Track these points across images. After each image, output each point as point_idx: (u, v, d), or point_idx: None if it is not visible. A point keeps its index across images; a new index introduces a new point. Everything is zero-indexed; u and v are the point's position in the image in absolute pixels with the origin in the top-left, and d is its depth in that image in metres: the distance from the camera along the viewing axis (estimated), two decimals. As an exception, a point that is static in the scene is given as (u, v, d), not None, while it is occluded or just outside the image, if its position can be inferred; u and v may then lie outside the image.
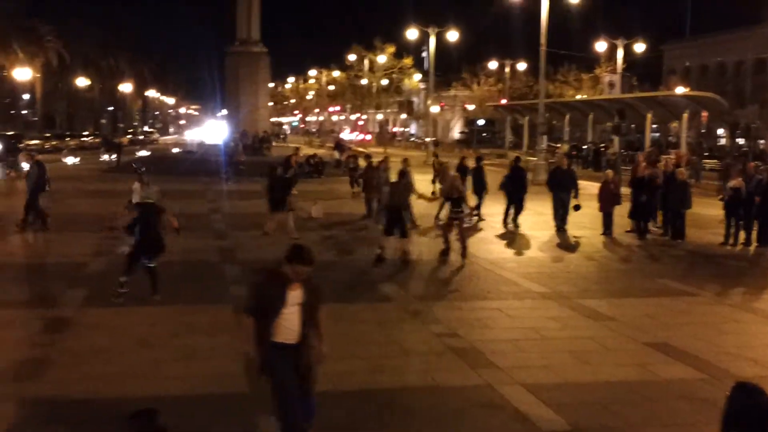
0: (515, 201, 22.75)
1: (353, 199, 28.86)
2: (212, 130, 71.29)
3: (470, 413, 8.50)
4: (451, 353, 10.54)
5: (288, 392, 6.74)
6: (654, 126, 59.84)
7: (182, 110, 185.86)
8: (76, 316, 12.01)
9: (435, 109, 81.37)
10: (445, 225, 17.43)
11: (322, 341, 6.99)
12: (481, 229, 21.94)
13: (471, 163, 25.58)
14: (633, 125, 58.15)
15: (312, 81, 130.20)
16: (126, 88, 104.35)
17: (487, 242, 20.22)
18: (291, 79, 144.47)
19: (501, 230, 22.28)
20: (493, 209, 24.13)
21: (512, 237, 21.21)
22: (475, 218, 21.76)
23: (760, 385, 4.81)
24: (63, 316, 11.98)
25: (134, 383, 9.05)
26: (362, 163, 29.13)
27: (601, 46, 66.82)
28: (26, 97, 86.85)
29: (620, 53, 63.34)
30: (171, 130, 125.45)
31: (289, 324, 6.69)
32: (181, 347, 10.48)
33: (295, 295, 6.67)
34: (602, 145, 56.63)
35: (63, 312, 12.20)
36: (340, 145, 45.66)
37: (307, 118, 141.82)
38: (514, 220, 22.70)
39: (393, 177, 20.97)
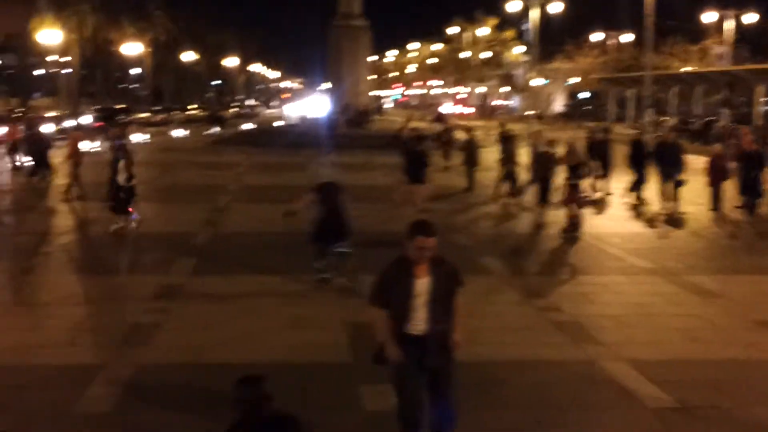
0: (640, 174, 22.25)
1: (445, 172, 28.71)
2: (314, 104, 71.91)
3: (574, 388, 8.44)
4: (553, 327, 10.48)
5: (406, 391, 6.39)
6: (765, 99, 57.57)
7: (285, 84, 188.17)
8: (187, 283, 12.40)
9: (537, 81, 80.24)
10: (565, 196, 17.00)
11: (458, 330, 6.54)
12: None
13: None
14: (743, 98, 56.17)
15: (413, 54, 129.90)
16: (231, 62, 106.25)
17: (591, 217, 19.90)
18: (392, 53, 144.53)
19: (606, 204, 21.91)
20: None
21: (617, 212, 20.84)
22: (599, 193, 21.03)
23: None
24: (174, 283, 12.39)
25: (240, 350, 9.29)
26: (462, 136, 28.99)
27: (709, 16, 64.57)
28: (135, 71, 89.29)
29: (730, 24, 61.05)
30: (274, 103, 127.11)
31: (416, 313, 6.29)
32: (288, 316, 10.71)
33: (422, 282, 6.29)
34: (711, 118, 54.89)
35: (174, 279, 12.61)
36: (440, 118, 45.52)
37: (408, 92, 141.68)
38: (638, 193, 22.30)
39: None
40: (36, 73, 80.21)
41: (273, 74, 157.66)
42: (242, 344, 9.55)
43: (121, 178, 17.01)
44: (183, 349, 9.32)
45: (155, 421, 7.39)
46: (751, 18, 62.23)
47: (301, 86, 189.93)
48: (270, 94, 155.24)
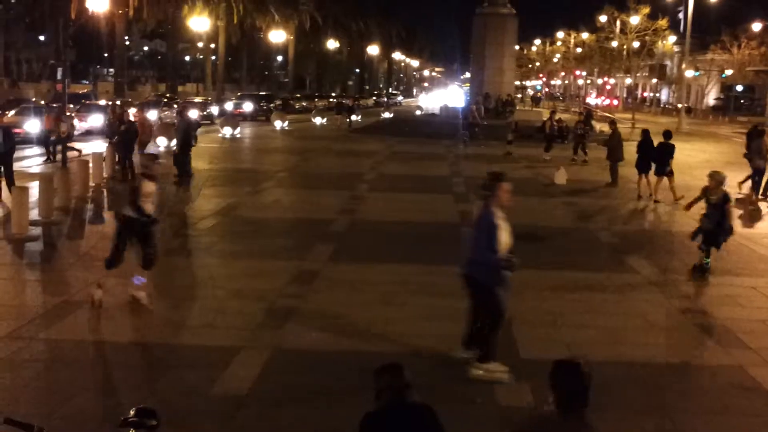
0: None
1: (584, 166, 28.06)
2: (454, 93, 71.70)
3: (720, 394, 8.11)
4: (697, 330, 10.06)
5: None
6: None
7: (426, 72, 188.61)
8: (323, 269, 12.52)
9: (690, 73, 77.37)
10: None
11: None
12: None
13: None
14: None
15: (559, 43, 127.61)
16: (373, 50, 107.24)
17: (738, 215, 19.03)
18: (537, 42, 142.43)
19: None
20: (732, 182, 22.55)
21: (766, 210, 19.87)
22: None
23: None
24: (311, 269, 12.53)
25: (373, 339, 9.31)
26: (606, 128, 28.26)
27: None
28: (279, 58, 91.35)
29: None
30: (415, 92, 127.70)
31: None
32: (421, 306, 10.67)
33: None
34: None
35: (311, 265, 12.76)
36: (589, 114, 42.74)
37: (552, 82, 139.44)
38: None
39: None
40: (185, 59, 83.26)
41: (414, 63, 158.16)
42: (375, 333, 9.56)
43: None
44: (318, 335, 9.39)
45: (290, 404, 7.47)
46: None
47: (441, 75, 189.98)
48: (411, 83, 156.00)
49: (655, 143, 20.67)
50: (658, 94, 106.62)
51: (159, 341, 9.11)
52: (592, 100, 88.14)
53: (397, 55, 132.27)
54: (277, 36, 74.42)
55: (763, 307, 11.26)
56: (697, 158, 27.33)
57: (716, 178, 12.63)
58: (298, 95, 77.58)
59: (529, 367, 8.10)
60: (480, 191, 8.37)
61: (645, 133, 21.60)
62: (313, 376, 8.17)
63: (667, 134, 20.75)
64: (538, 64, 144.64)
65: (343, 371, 8.17)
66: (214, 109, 51.33)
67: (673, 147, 20.45)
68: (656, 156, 20.51)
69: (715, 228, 12.42)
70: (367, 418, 4.81)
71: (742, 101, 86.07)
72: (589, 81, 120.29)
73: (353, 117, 51.77)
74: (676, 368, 8.73)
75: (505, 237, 8.16)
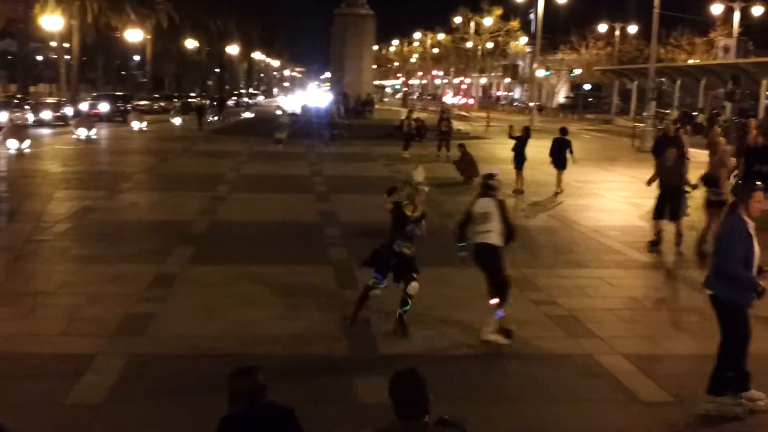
0: None
1: (444, 162, 28.60)
2: (315, 93, 71.73)
3: (569, 382, 8.43)
4: (549, 321, 10.43)
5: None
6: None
7: (287, 72, 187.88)
8: (183, 272, 12.35)
9: (541, 72, 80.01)
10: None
11: None
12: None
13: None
14: (747, 92, 55.95)
15: (416, 44, 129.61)
16: (233, 50, 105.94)
17: (590, 209, 19.89)
18: (395, 42, 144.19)
19: (603, 197, 21.88)
20: (582, 177, 23.63)
21: (616, 204, 20.80)
22: None
23: None
24: (170, 272, 12.34)
25: (235, 341, 9.25)
26: (463, 127, 28.89)
27: (716, 8, 64.24)
28: (136, 58, 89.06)
29: (737, 16, 60.77)
30: (276, 92, 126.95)
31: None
32: (283, 307, 10.67)
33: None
34: (714, 111, 54.74)
35: (170, 268, 12.56)
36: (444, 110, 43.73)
37: (410, 81, 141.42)
38: None
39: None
40: (37, 58, 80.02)
41: (274, 63, 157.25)
42: (238, 335, 9.50)
43: None
44: (178, 340, 9.27)
45: (148, 412, 7.35)
46: (757, 10, 61.74)
47: (302, 75, 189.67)
48: (272, 83, 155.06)
49: (512, 143, 21.74)
50: (511, 93, 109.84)
51: (9, 351, 8.77)
52: (449, 99, 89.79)
53: (257, 55, 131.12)
54: (134, 35, 72.48)
55: (610, 297, 11.80)
56: (545, 155, 28.33)
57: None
58: (157, 95, 75.81)
59: (390, 363, 8.23)
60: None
61: (525, 130, 22.99)
62: (172, 381, 8.06)
63: (563, 130, 22.39)
64: (396, 64, 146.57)
65: (203, 375, 8.08)
66: (69, 110, 49.59)
67: (569, 142, 21.93)
68: (553, 151, 21.92)
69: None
70: (224, 422, 4.80)
71: (590, 99, 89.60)
72: (446, 81, 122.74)
73: (213, 117, 50.87)
74: (528, 358, 9.02)
75: (758, 250, 7.44)
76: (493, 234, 9.31)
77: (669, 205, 15.02)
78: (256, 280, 12.00)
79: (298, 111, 56.35)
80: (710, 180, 14.56)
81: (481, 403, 7.72)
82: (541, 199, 20.88)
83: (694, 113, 55.88)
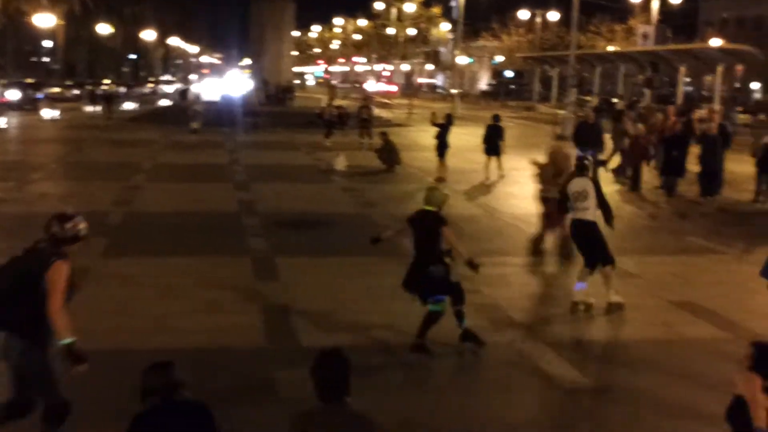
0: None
1: (366, 150, 28.45)
2: (234, 80, 70.70)
3: (491, 370, 8.43)
4: (471, 309, 10.34)
5: None
6: (688, 80, 58.70)
7: (206, 59, 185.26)
8: (96, 265, 11.90)
9: (463, 59, 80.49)
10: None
11: None
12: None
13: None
14: (666, 78, 57.22)
15: (337, 30, 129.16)
16: (148, 35, 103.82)
17: (512, 197, 19.96)
18: (316, 28, 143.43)
19: (525, 184, 21.99)
20: (504, 164, 23.67)
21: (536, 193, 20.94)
22: None
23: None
24: (81, 265, 11.83)
25: (152, 336, 8.99)
26: (385, 114, 28.77)
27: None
28: (48, 44, 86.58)
29: (655, 4, 61.93)
30: (193, 78, 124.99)
31: None
32: (202, 299, 10.39)
33: None
34: (634, 98, 55.78)
35: (82, 261, 12.06)
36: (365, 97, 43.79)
37: (332, 68, 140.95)
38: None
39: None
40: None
41: (192, 49, 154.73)
42: (155, 329, 9.23)
43: None
44: (92, 335, 8.88)
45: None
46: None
47: (221, 62, 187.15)
48: (190, 69, 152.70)
49: (435, 131, 21.78)
50: (434, 80, 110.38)
51: None
52: (371, 86, 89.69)
53: (175, 41, 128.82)
54: (46, 20, 70.36)
55: (532, 284, 11.84)
56: (471, 142, 28.35)
57: None
58: (70, 83, 73.80)
59: (310, 355, 8.04)
60: None
61: (448, 117, 22.90)
62: (87, 379, 7.70)
63: (496, 117, 22.71)
64: (318, 50, 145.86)
65: (120, 371, 7.76)
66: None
67: (502, 129, 22.27)
68: (486, 137, 22.21)
69: None
70: (137, 420, 4.60)
71: (511, 86, 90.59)
72: (368, 67, 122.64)
73: (122, 106, 49.45)
74: (451, 347, 8.91)
75: None
76: (590, 211, 10.18)
77: None
78: (172, 272, 11.68)
79: (217, 98, 55.50)
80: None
81: (405, 394, 7.67)
82: (466, 188, 20.86)
83: (614, 100, 56.82)
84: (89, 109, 51.55)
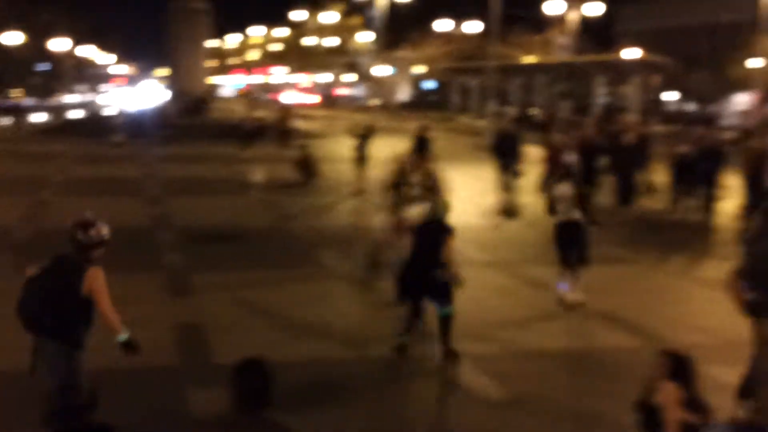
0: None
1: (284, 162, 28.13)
2: (148, 91, 69.59)
3: (408, 383, 8.36)
4: (390, 323, 10.22)
5: None
6: (605, 90, 59.82)
7: (121, 69, 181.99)
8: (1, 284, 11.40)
9: (383, 70, 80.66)
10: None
11: None
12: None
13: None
14: (583, 89, 58.27)
15: (255, 40, 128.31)
16: (61, 44, 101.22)
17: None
18: (234, 38, 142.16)
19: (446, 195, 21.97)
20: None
21: (456, 204, 20.92)
22: None
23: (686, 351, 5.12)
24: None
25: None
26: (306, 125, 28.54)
27: (553, 7, 66.26)
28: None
29: (573, 15, 63.00)
30: (108, 89, 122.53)
31: None
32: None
33: None
34: (552, 110, 56.64)
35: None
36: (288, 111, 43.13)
37: (250, 79, 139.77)
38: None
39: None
40: None
41: (106, 58, 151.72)
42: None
43: None
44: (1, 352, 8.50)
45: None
46: (594, 9, 63.90)
47: (135, 72, 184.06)
48: (102, 80, 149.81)
49: (355, 142, 21.76)
50: (354, 92, 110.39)
51: None
52: (291, 97, 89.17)
53: (88, 50, 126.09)
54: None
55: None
56: (390, 154, 28.40)
57: None
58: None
59: (224, 372, 7.80)
60: None
61: (368, 128, 23.01)
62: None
63: (424, 128, 22.50)
64: (235, 60, 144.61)
65: (28, 394, 7.39)
66: None
67: (429, 140, 22.11)
68: (415, 149, 21.50)
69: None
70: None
71: (432, 98, 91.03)
72: (287, 78, 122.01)
73: (32, 118, 48.00)
74: (367, 361, 8.89)
75: None
76: (576, 212, 11.01)
77: None
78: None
79: (132, 110, 54.41)
80: None
81: (317, 407, 7.51)
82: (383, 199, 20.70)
83: (533, 111, 57.57)
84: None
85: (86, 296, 6.24)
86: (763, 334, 6.81)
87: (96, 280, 6.29)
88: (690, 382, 4.79)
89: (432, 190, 12.56)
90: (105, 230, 6.54)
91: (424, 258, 8.74)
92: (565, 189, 11.18)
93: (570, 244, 11.06)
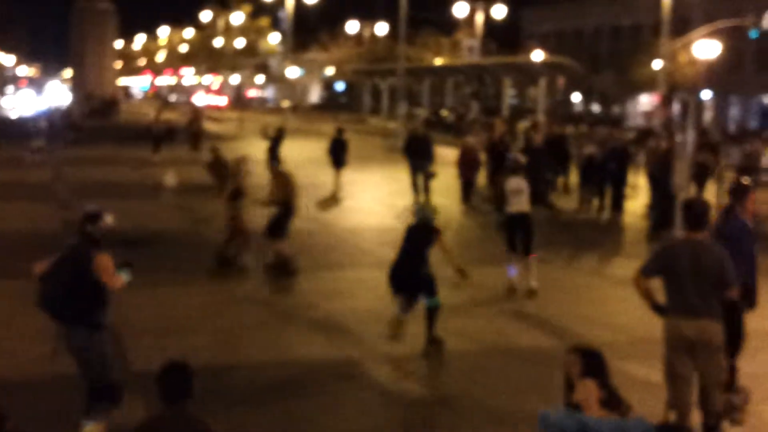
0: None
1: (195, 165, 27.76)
2: (54, 93, 67.79)
3: (328, 386, 8.35)
4: (308, 325, 10.26)
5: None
6: (513, 92, 60.78)
7: (22, 70, 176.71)
8: None
9: (293, 72, 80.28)
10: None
11: None
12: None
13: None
14: (492, 91, 59.06)
15: (163, 41, 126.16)
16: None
17: (346, 210, 19.98)
18: (141, 38, 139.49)
19: (359, 197, 22.07)
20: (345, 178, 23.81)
21: (372, 205, 21.05)
22: None
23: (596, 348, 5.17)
24: None
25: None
26: (215, 127, 28.21)
27: (460, 9, 67.00)
28: None
29: (480, 17, 63.79)
30: (9, 91, 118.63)
31: None
32: (26, 325, 9.74)
33: None
34: (461, 111, 57.33)
35: None
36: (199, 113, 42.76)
37: (158, 81, 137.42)
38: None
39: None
40: None
41: (7, 59, 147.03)
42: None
43: None
44: None
45: None
46: (499, 12, 64.75)
47: (40, 73, 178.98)
48: (5, 82, 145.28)
49: (266, 144, 21.67)
50: (264, 93, 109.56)
51: None
52: (200, 99, 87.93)
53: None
54: None
55: (369, 298, 11.78)
56: (303, 155, 28.32)
57: None
58: None
59: (142, 380, 7.68)
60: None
61: (279, 130, 23.55)
62: None
63: (340, 131, 22.83)
64: (143, 61, 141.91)
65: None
66: None
67: (345, 142, 22.55)
68: (331, 150, 22.52)
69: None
70: None
71: (342, 100, 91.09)
72: (196, 80, 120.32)
73: None
74: (289, 363, 8.87)
75: None
76: (525, 204, 11.84)
77: None
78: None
79: (37, 112, 52.98)
80: None
81: (240, 410, 7.54)
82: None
83: (444, 113, 58.09)
84: None
85: (98, 280, 6.72)
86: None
87: (103, 265, 6.74)
88: (604, 378, 4.92)
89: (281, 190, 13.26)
90: (110, 219, 7.04)
91: (413, 257, 9.40)
92: (517, 183, 11.90)
93: (519, 234, 11.96)
